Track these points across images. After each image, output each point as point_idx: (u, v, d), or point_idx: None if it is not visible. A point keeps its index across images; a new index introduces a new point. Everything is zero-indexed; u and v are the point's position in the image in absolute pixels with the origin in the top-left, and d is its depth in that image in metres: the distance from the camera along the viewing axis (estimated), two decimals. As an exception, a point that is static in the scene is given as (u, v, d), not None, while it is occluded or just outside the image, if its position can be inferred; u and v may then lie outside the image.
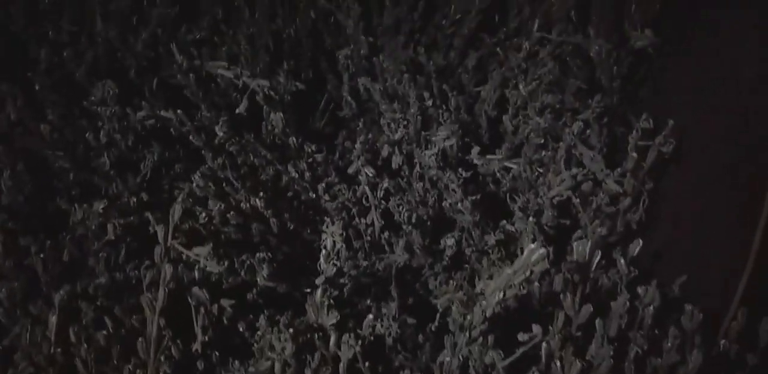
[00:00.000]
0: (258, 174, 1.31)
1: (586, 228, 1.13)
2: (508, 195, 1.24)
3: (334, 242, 1.06)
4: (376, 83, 1.35)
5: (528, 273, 0.87)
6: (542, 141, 1.21)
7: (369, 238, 1.29)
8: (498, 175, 1.24)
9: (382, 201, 1.28)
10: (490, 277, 0.94)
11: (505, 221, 1.22)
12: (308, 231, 1.28)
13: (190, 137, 1.27)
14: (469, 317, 0.93)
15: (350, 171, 1.31)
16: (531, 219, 1.11)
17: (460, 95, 1.52)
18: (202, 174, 1.16)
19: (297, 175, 1.28)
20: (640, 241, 1.03)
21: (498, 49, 1.69)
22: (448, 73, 1.71)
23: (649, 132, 1.07)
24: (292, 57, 1.77)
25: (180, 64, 1.26)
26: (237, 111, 1.24)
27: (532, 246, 0.87)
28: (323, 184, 1.32)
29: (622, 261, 1.03)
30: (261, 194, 1.20)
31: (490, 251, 1.15)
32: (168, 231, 1.03)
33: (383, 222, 1.28)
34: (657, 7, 1.65)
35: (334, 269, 1.05)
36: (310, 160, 1.35)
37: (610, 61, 1.35)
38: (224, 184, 1.20)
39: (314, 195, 1.31)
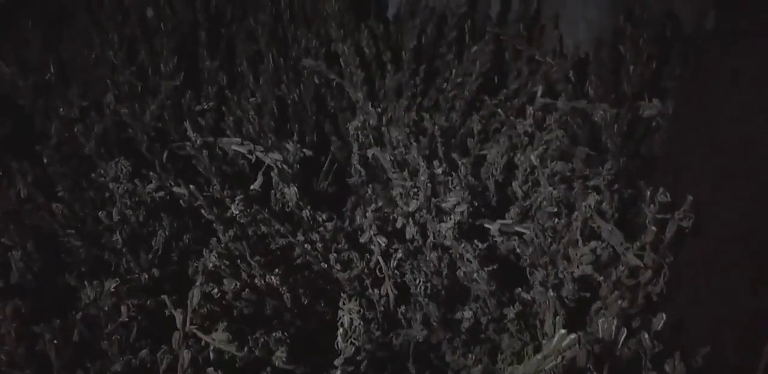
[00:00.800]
0: (269, 246, 1.31)
1: (605, 300, 1.12)
2: (527, 268, 1.24)
3: (351, 320, 1.04)
4: (385, 152, 1.36)
5: (559, 359, 0.85)
6: (555, 210, 1.21)
7: (383, 309, 1.27)
8: (517, 249, 1.23)
9: (396, 272, 1.27)
10: (513, 355, 0.93)
11: (520, 289, 1.21)
12: (322, 304, 1.26)
13: (202, 211, 1.26)
14: (497, 402, 0.90)
15: (362, 240, 1.31)
16: (551, 293, 1.10)
17: (465, 157, 1.54)
18: (219, 254, 1.15)
19: (309, 246, 1.27)
20: (664, 316, 1.03)
21: (499, 109, 1.73)
22: (450, 134, 1.74)
23: (667, 204, 1.08)
24: (297, 122, 1.80)
25: (193, 141, 1.26)
26: (252, 187, 1.25)
27: (563, 331, 0.86)
28: (334, 254, 1.31)
29: (647, 335, 1.01)
30: (276, 270, 1.19)
31: (509, 323, 1.14)
32: (186, 316, 1.02)
33: (396, 293, 1.27)
34: (653, 67, 1.71)
35: (353, 348, 1.03)
36: (321, 228, 1.34)
37: (615, 126, 1.37)
38: (239, 261, 1.19)
39: (326, 266, 1.30)
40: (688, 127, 1.14)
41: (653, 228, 1.06)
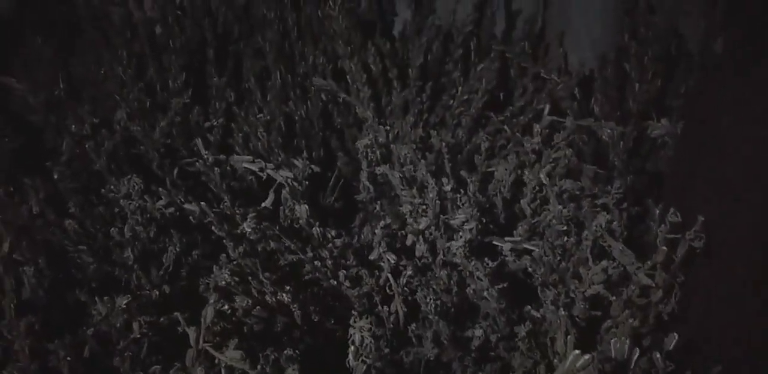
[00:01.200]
0: (278, 262, 1.31)
1: (616, 319, 1.12)
2: (536, 286, 1.24)
3: (362, 337, 1.04)
4: (394, 170, 1.37)
5: (574, 380, 0.86)
6: (564, 228, 1.22)
7: (392, 326, 1.27)
8: (529, 268, 1.24)
9: (405, 289, 1.27)
10: None
11: (530, 307, 1.22)
12: (332, 321, 1.27)
13: (212, 228, 1.27)
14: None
15: (372, 257, 1.31)
16: (562, 312, 1.10)
17: (473, 174, 1.55)
18: (231, 271, 1.15)
19: (319, 263, 1.28)
20: (676, 335, 1.03)
21: (505, 126, 1.74)
22: (456, 150, 1.75)
23: (678, 224, 1.09)
24: (304, 138, 1.82)
25: (205, 159, 1.27)
26: (263, 205, 1.25)
27: (577, 352, 0.86)
28: (344, 271, 1.31)
29: (659, 355, 1.02)
30: (287, 287, 1.19)
31: (520, 342, 1.14)
32: (200, 333, 1.02)
33: (406, 310, 1.27)
34: (658, 85, 1.72)
35: (364, 366, 1.03)
36: (330, 245, 1.35)
37: (622, 144, 1.38)
38: (250, 278, 1.19)
39: (335, 283, 1.31)
40: (697, 145, 1.15)
41: (664, 248, 1.06)
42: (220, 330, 1.07)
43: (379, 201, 1.48)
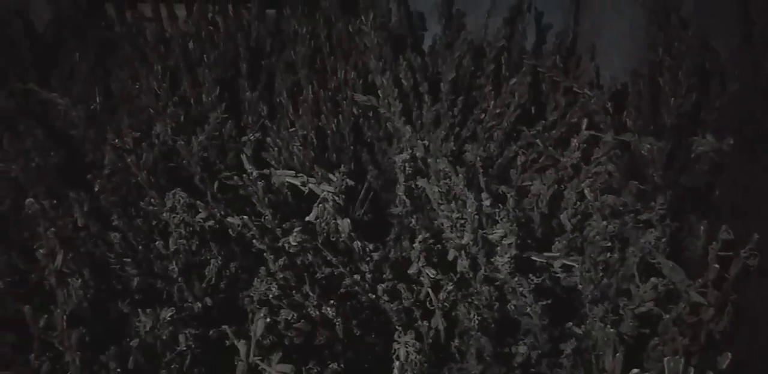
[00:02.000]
0: (315, 275, 1.31)
1: (664, 337, 1.11)
2: (578, 302, 1.23)
3: (407, 353, 1.04)
4: (432, 184, 1.37)
5: (633, 399, 0.85)
6: (609, 244, 1.21)
7: (431, 341, 1.27)
8: (579, 285, 1.23)
9: (445, 304, 1.27)
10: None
11: (571, 323, 1.21)
12: (373, 335, 1.27)
13: (254, 241, 1.28)
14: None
15: (411, 271, 1.31)
16: (609, 329, 1.10)
17: (510, 189, 1.54)
18: (278, 285, 1.16)
19: (359, 277, 1.28)
20: (729, 354, 1.01)
21: (537, 140, 1.74)
22: (488, 164, 1.75)
23: (728, 241, 1.08)
24: (337, 152, 1.83)
25: (249, 173, 1.29)
26: (307, 219, 1.26)
27: (636, 370, 0.85)
28: (383, 285, 1.31)
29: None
30: (331, 301, 1.20)
31: (564, 359, 1.14)
32: (250, 347, 1.02)
33: (446, 325, 1.27)
34: (693, 98, 1.72)
35: (411, 382, 1.03)
36: (368, 258, 1.35)
37: (659, 159, 1.37)
38: (294, 291, 1.20)
39: (374, 297, 1.31)
40: (744, 159, 1.14)
41: (716, 265, 1.05)
42: (268, 344, 1.07)
43: (414, 215, 1.48)
